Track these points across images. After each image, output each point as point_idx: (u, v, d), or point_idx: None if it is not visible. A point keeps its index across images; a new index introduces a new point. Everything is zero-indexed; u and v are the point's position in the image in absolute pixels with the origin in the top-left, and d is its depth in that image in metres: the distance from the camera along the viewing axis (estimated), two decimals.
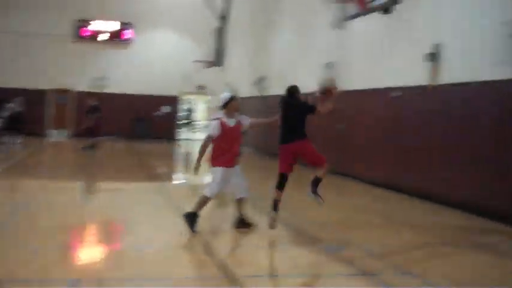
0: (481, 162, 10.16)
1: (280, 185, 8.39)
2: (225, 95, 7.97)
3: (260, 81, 23.76)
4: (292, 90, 8.50)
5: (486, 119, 10.11)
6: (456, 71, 11.02)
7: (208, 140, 7.85)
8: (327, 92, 8.28)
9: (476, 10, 10.58)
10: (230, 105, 7.86)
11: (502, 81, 9.72)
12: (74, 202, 10.37)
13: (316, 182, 8.16)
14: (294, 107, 8.35)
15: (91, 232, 8.29)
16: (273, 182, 8.39)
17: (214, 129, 7.77)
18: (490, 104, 10.06)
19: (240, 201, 8.16)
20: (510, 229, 9.13)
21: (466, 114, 10.65)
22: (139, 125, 28.85)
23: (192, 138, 31.41)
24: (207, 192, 7.99)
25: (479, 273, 6.59)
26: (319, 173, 8.15)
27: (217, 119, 7.83)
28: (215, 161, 7.92)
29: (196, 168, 7.84)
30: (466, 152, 10.60)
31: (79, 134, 23.55)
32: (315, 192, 8.14)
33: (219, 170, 7.87)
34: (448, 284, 5.98)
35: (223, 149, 7.83)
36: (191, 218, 7.82)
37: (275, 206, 8.28)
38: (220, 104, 7.94)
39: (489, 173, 9.95)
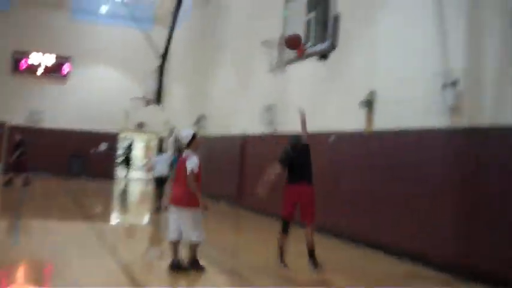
0: (410, 207, 10.39)
1: (285, 229, 8.37)
2: (189, 132, 8.00)
3: (200, 120, 23.78)
4: (297, 140, 8.72)
5: (416, 166, 10.38)
6: (389, 118, 11.34)
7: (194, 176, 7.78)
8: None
9: (409, 60, 10.97)
10: (194, 142, 7.93)
11: (432, 130, 10.06)
12: (1, 242, 10.00)
13: (312, 255, 8.18)
14: (301, 152, 8.79)
15: (18, 274, 7.96)
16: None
17: (197, 165, 7.82)
18: (419, 151, 10.35)
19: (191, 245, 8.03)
20: (441, 275, 9.30)
21: (397, 160, 10.91)
22: (76, 162, 28.30)
23: (130, 177, 31.02)
24: (199, 238, 7.89)
25: None
26: (308, 238, 8.19)
27: (188, 156, 7.88)
28: (196, 201, 7.80)
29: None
30: (397, 197, 10.83)
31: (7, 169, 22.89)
32: (316, 263, 8.12)
33: (199, 210, 7.80)
34: None
35: (199, 186, 7.80)
36: (197, 265, 7.93)
37: (281, 254, 8.24)
38: (185, 141, 7.95)
39: (417, 217, 10.18)
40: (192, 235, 7.77)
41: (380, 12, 12.00)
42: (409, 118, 10.72)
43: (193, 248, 7.93)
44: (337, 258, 10.57)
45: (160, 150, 19.94)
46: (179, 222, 7.84)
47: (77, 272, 7.86)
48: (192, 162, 7.74)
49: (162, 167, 16.68)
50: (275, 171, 8.60)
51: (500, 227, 8.54)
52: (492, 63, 8.99)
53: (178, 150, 19.86)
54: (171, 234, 7.92)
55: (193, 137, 7.96)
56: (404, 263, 10.15)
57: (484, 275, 8.64)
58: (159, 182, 16.58)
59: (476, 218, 8.99)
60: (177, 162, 8.12)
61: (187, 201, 7.72)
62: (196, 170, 7.75)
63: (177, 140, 21.37)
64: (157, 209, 16.07)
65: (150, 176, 17.58)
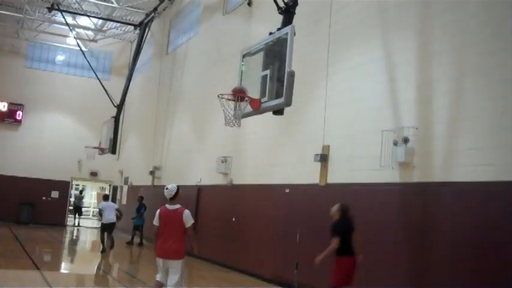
0: (364, 259, 10.53)
1: None
2: (173, 186, 8.64)
3: (155, 171, 23.69)
4: (348, 209, 8.82)
5: (368, 219, 10.58)
6: (343, 171, 11.59)
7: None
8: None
9: (361, 117, 11.31)
10: (178, 195, 8.57)
11: (383, 184, 10.32)
12: None
13: None
14: (351, 222, 9.00)
15: None
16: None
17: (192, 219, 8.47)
18: (371, 204, 10.58)
19: None
20: None
21: (352, 213, 11.10)
22: (26, 209, 27.66)
23: (82, 225, 30.46)
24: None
25: None
26: None
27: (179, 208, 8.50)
28: (183, 253, 8.38)
29: None
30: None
31: None
32: None
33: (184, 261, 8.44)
34: None
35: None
36: None
37: None
38: (170, 194, 8.56)
39: (371, 271, 10.32)
40: (172, 284, 8.16)
41: (333, 69, 12.38)
42: (361, 172, 10.99)
43: None
44: None
45: (106, 197, 20.16)
46: (167, 271, 8.34)
47: None
48: (189, 218, 8.32)
49: (110, 214, 18.32)
50: (336, 246, 8.72)
51: (450, 281, 8.73)
52: (442, 120, 9.35)
53: (141, 199, 21.94)
54: (158, 276, 8.46)
55: (177, 190, 8.55)
56: None
57: None
58: (107, 228, 18.43)
59: (428, 272, 9.17)
60: (161, 216, 8.50)
61: (178, 254, 8.22)
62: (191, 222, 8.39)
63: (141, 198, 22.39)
64: (103, 251, 18.06)
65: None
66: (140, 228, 21.87)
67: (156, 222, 8.46)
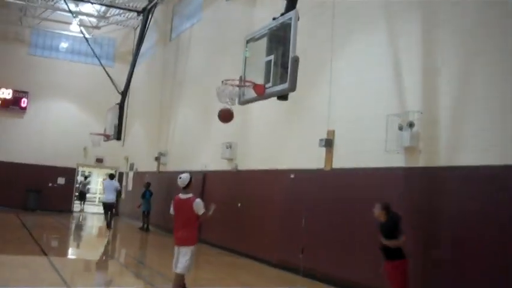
0: (367, 243, 10.56)
1: None
2: (186, 176, 8.77)
3: (160, 157, 23.74)
4: (390, 205, 8.49)
5: (373, 204, 10.59)
6: (348, 156, 11.59)
7: None
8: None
9: (367, 102, 11.29)
10: (191, 184, 8.78)
11: (389, 169, 10.33)
12: None
13: None
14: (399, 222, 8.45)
15: None
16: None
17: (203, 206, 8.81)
18: (376, 189, 10.58)
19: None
20: None
21: (356, 197, 11.12)
22: (32, 196, 27.80)
23: (86, 211, 30.65)
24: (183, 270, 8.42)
25: None
26: None
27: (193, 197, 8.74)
28: (193, 239, 8.63)
29: None
30: (359, 235, 11.00)
31: None
32: None
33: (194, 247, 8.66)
34: None
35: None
36: None
37: None
38: (183, 183, 8.70)
39: (379, 256, 10.35)
40: (181, 267, 8.32)
41: (337, 53, 12.35)
42: (367, 157, 10.99)
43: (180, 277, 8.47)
44: None
45: (111, 177, 20.95)
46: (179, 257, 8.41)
47: None
48: (200, 207, 8.70)
49: (109, 194, 19.78)
50: (399, 244, 8.32)
51: (457, 265, 8.76)
52: (447, 104, 9.33)
53: (147, 186, 22.13)
54: (175, 267, 8.46)
55: (190, 180, 8.74)
56: None
57: None
58: (106, 207, 20.06)
59: (428, 257, 9.20)
60: (174, 204, 8.71)
61: (188, 240, 8.43)
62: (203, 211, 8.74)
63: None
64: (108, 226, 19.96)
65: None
66: (146, 214, 22.09)
67: (171, 211, 8.67)
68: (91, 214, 29.85)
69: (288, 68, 8.90)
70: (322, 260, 12.02)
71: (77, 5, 27.52)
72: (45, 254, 13.57)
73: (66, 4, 24.84)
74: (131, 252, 16.76)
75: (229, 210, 16.51)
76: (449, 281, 8.82)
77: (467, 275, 8.52)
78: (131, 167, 28.77)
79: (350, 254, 11.15)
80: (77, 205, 30.62)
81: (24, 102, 28.85)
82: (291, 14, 9.01)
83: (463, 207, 8.75)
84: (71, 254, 16.21)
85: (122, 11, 27.60)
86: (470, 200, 8.63)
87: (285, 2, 9.57)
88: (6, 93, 28.58)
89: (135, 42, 25.33)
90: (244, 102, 10.43)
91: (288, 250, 13.30)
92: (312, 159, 12.67)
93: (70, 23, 28.99)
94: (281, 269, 13.30)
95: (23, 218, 23.13)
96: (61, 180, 28.88)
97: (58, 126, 29.03)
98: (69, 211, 28.78)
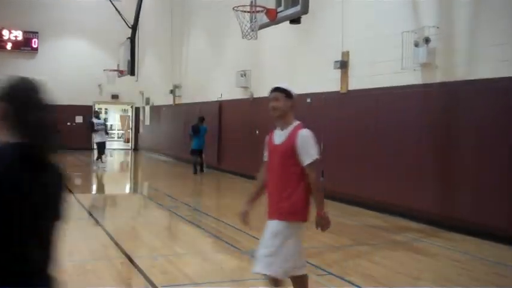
0: (387, 162, 10.68)
1: None
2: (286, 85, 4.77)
3: (175, 89, 23.77)
4: None
5: (392, 123, 10.63)
6: (364, 77, 11.53)
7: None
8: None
9: (381, 20, 11.12)
10: (293, 102, 4.65)
11: (406, 87, 10.28)
12: None
13: None
14: None
15: None
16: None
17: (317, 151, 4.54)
18: (394, 108, 10.58)
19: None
20: (422, 226, 9.63)
21: (373, 118, 11.14)
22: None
23: (108, 147, 31.08)
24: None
25: (394, 269, 6.95)
26: None
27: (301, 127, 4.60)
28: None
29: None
30: (377, 155, 11.09)
31: None
32: None
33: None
34: (365, 281, 6.29)
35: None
36: None
37: None
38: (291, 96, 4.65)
39: (399, 172, 10.47)
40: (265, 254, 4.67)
41: None
42: (383, 76, 10.93)
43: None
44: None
45: (98, 115, 21.24)
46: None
47: (65, 243, 7.99)
48: (311, 149, 4.44)
49: (101, 134, 20.38)
50: None
51: (476, 178, 8.85)
52: (463, 17, 9.17)
53: (200, 120, 18.66)
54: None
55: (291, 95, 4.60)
56: (386, 216, 10.47)
57: (466, 225, 8.98)
58: (100, 147, 20.62)
59: (453, 171, 9.29)
60: (268, 146, 4.79)
61: (285, 212, 4.59)
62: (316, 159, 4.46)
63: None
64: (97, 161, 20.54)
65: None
66: (198, 153, 18.61)
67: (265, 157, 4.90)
68: (112, 150, 30.25)
69: None
70: (342, 181, 12.18)
71: None
72: (71, 192, 13.87)
73: None
74: (157, 185, 17.07)
75: (247, 138, 16.64)
76: (467, 193, 8.94)
77: (484, 187, 8.62)
78: (147, 102, 28.88)
79: (368, 174, 11.28)
80: (98, 142, 30.91)
81: (35, 43, 28.76)
82: None
83: (480, 118, 8.75)
84: (96, 190, 16.55)
85: None
86: (487, 111, 8.64)
87: None
88: (17, 35, 28.46)
89: None
90: (256, 28, 10.34)
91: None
92: (328, 82, 12.62)
93: None
94: None
95: None
96: (79, 119, 29.10)
97: (71, 64, 28.99)
98: (90, 148, 29.18)
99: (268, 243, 4.58)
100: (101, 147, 20.70)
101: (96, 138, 20.76)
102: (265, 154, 4.85)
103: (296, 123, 4.59)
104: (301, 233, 4.64)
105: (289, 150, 4.42)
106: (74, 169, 20.35)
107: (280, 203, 4.56)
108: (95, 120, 20.78)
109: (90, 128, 20.85)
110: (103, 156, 20.89)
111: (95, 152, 21.34)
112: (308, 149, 4.43)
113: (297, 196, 4.49)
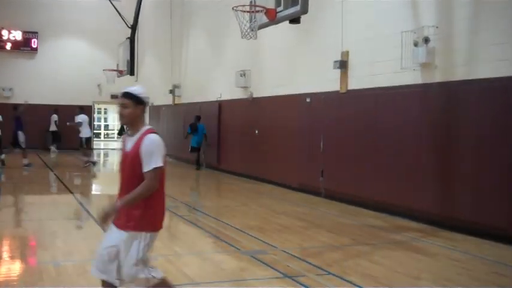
0: (387, 162, 10.68)
1: None
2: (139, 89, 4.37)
3: (174, 89, 23.75)
4: None
5: (391, 123, 10.62)
6: (364, 77, 11.52)
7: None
8: None
9: (380, 20, 11.11)
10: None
11: (405, 86, 10.28)
12: None
13: None
14: None
15: (3, 248, 8.02)
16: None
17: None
18: (394, 108, 10.58)
19: None
20: (422, 226, 9.62)
21: (372, 118, 11.13)
22: (52, 135, 28.05)
23: (107, 148, 31.05)
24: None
25: (394, 269, 6.93)
26: None
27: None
28: None
29: None
30: (377, 155, 11.09)
31: None
32: None
33: None
34: (365, 281, 6.28)
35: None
36: None
37: None
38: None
39: (398, 172, 10.46)
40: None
41: None
42: (382, 76, 10.92)
43: None
44: (320, 214, 10.84)
45: (81, 108, 21.31)
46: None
47: (66, 243, 7.98)
48: (153, 156, 4.16)
49: (87, 128, 20.44)
50: None
51: (476, 178, 8.85)
52: (462, 17, 9.16)
53: (196, 119, 19.75)
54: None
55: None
56: (386, 216, 10.46)
57: (466, 225, 8.98)
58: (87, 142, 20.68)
59: (453, 171, 9.29)
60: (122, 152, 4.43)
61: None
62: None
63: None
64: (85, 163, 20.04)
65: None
66: (197, 150, 19.67)
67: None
68: (111, 150, 30.24)
69: None
70: (341, 181, 12.18)
71: None
72: (71, 192, 13.86)
73: None
74: None
75: (247, 138, 16.65)
76: (467, 193, 8.93)
77: (484, 187, 8.62)
78: None
79: (367, 174, 11.27)
80: (96, 142, 30.84)
81: (34, 43, 28.73)
82: None
83: (479, 118, 8.75)
84: (95, 190, 16.53)
85: None
86: (487, 111, 8.64)
87: None
88: (16, 35, 28.43)
89: None
90: (255, 28, 10.32)
91: (308, 173, 13.46)
92: (327, 82, 12.62)
93: None
94: (302, 192, 13.51)
95: (45, 158, 23.50)
96: (79, 119, 28.99)
97: (70, 64, 28.97)
98: (90, 148, 29.13)
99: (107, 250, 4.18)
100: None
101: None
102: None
103: (145, 128, 4.28)
104: (138, 242, 4.14)
105: (136, 158, 4.14)
106: (73, 169, 20.35)
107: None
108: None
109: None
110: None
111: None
112: (150, 156, 4.11)
113: (139, 205, 4.13)
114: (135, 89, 4.32)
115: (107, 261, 4.15)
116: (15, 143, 19.42)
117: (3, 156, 19.07)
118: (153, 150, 4.15)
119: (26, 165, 19.17)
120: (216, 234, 8.85)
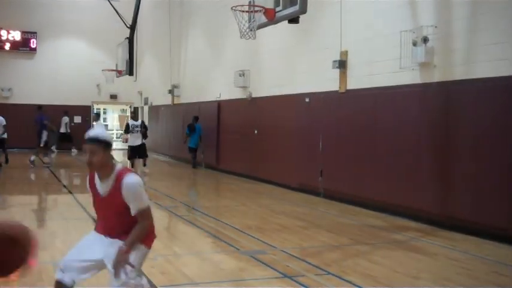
0: (386, 162, 10.67)
1: None
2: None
3: (173, 89, 23.75)
4: None
5: (391, 122, 10.61)
6: (363, 76, 11.52)
7: None
8: None
9: (379, 19, 11.11)
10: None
11: (404, 86, 10.28)
12: None
13: None
14: None
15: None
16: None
17: None
18: (393, 107, 10.58)
19: None
20: (422, 226, 9.61)
21: (372, 117, 11.13)
22: (51, 136, 28.02)
23: None
24: None
25: (393, 269, 6.93)
26: None
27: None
28: None
29: None
30: (376, 155, 11.08)
31: None
32: None
33: None
34: (364, 281, 6.28)
35: None
36: None
37: None
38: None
39: (398, 172, 10.46)
40: None
41: None
42: (381, 76, 10.92)
43: None
44: (320, 213, 10.84)
45: (98, 115, 21.09)
46: None
47: (65, 244, 7.97)
48: (137, 197, 4.15)
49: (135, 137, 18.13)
50: None
51: (475, 177, 8.84)
52: (461, 16, 9.16)
53: (194, 120, 20.15)
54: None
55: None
56: (386, 216, 10.46)
57: (466, 224, 8.97)
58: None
59: (453, 170, 9.28)
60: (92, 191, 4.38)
61: None
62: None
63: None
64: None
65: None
66: (193, 151, 20.03)
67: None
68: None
69: None
70: (341, 180, 12.17)
71: None
72: (71, 192, 13.85)
73: None
74: (154, 185, 17.05)
75: (246, 138, 16.64)
76: (467, 193, 8.92)
77: (484, 187, 8.61)
78: (146, 102, 28.85)
79: (367, 173, 11.27)
80: None
81: (33, 43, 28.72)
82: None
83: (479, 119, 8.75)
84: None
85: None
86: (486, 110, 8.63)
87: None
88: (15, 35, 28.43)
89: None
90: (254, 28, 10.31)
91: (307, 173, 13.46)
92: (326, 81, 12.62)
93: None
94: (301, 192, 13.50)
95: (44, 158, 23.46)
96: (77, 119, 29.05)
97: (69, 65, 28.97)
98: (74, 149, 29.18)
99: None
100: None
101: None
102: (88, 190, 4.41)
103: (116, 170, 4.13)
104: (135, 253, 4.18)
105: (119, 205, 4.10)
106: (73, 169, 20.36)
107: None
108: (130, 122, 19.49)
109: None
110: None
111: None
112: (135, 199, 4.08)
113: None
114: (101, 132, 4.14)
115: (82, 271, 4.21)
116: (40, 142, 20.04)
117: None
118: (136, 192, 4.08)
119: (47, 164, 19.82)
120: (215, 234, 8.84)
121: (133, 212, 4.11)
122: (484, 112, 8.69)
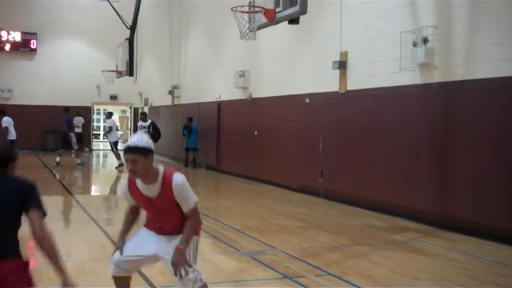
0: (387, 162, 10.67)
1: None
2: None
3: (173, 90, 23.75)
4: None
5: (391, 123, 10.61)
6: (363, 77, 11.52)
7: None
8: None
9: (379, 20, 11.11)
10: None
11: (404, 87, 10.28)
12: None
13: None
14: None
15: None
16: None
17: None
18: (393, 108, 10.58)
19: None
20: (422, 226, 9.61)
21: (372, 118, 11.13)
22: (51, 136, 28.04)
23: (106, 149, 30.99)
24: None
25: (393, 269, 6.93)
26: None
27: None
28: None
29: None
30: (376, 155, 11.08)
31: None
32: None
33: None
34: (364, 281, 6.28)
35: None
36: None
37: None
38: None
39: (398, 172, 10.46)
40: None
41: None
42: (381, 77, 10.93)
43: None
44: (320, 214, 10.84)
45: (110, 114, 21.66)
46: None
47: (65, 244, 7.97)
48: (187, 194, 4.31)
49: (115, 133, 20.63)
50: None
51: (475, 178, 8.84)
52: (461, 17, 9.16)
53: (188, 120, 20.56)
54: None
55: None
56: (385, 216, 10.45)
57: (466, 225, 8.97)
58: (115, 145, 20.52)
59: (453, 171, 9.28)
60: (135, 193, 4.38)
61: None
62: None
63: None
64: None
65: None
66: (193, 151, 20.49)
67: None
68: (110, 151, 30.19)
69: None
70: (341, 181, 12.17)
71: None
72: (70, 193, 13.85)
73: None
74: None
75: (246, 139, 16.64)
76: (467, 194, 8.92)
77: (484, 187, 8.61)
78: (146, 102, 28.85)
79: (367, 174, 11.27)
80: (96, 143, 30.72)
81: (33, 44, 28.73)
82: None
83: (479, 120, 8.75)
84: (94, 191, 16.52)
85: None
86: (486, 111, 8.64)
87: None
88: (15, 36, 28.43)
89: None
90: (254, 29, 10.31)
91: (307, 174, 13.45)
92: (326, 82, 12.62)
93: None
94: (301, 192, 13.50)
95: (44, 159, 23.48)
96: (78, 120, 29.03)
97: (69, 65, 28.96)
98: (90, 149, 29.15)
99: None
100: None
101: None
102: (128, 196, 4.47)
103: (161, 172, 4.22)
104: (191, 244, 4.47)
105: (172, 204, 4.25)
106: (73, 170, 20.34)
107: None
108: (139, 123, 19.78)
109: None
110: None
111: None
112: (185, 196, 4.24)
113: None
114: (140, 139, 4.13)
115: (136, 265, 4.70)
116: (67, 144, 20.34)
117: None
118: (185, 190, 4.25)
119: (79, 165, 20.31)
120: (216, 235, 8.83)
121: (185, 211, 4.29)
122: (484, 113, 8.69)
